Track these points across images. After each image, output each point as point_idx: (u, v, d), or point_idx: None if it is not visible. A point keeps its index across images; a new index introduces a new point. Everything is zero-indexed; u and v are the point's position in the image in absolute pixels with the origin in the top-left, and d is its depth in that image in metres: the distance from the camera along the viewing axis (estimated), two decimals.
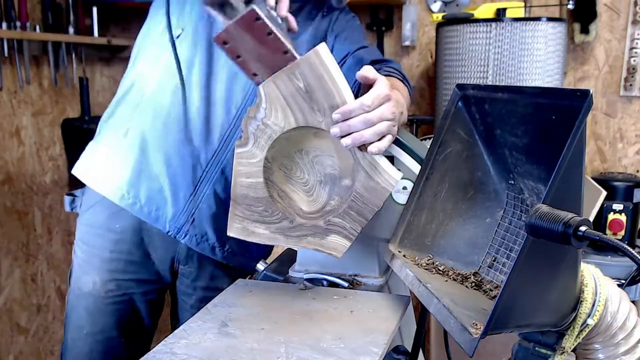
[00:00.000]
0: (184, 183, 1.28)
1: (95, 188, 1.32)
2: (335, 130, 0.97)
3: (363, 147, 0.98)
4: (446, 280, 1.00)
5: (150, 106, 1.29)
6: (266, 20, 0.92)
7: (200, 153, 1.27)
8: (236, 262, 1.37)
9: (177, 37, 1.26)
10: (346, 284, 1.19)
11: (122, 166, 1.30)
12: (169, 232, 1.29)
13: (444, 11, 2.25)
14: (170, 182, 1.28)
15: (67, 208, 1.42)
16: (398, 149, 1.15)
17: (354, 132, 0.96)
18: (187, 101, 1.26)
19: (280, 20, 0.99)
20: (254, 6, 0.91)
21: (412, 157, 1.15)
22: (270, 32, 0.93)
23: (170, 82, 1.27)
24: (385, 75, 1.27)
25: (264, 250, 1.43)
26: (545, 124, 0.81)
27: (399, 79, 1.28)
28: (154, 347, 0.91)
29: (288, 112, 1.01)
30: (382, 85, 0.98)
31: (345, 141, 0.96)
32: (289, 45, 0.95)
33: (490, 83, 1.83)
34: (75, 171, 1.38)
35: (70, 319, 1.37)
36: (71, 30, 2.50)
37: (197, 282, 1.39)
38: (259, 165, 1.04)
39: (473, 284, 0.98)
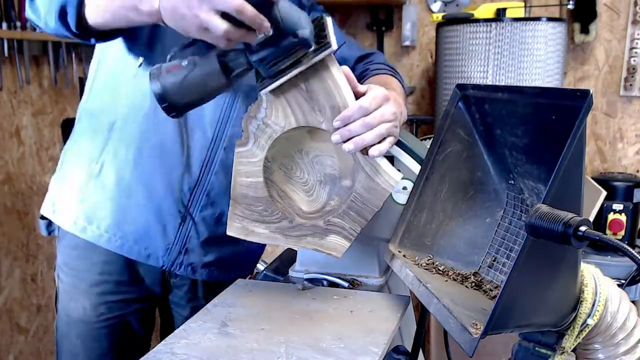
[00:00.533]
0: (171, 215, 1.22)
1: (77, 234, 1.25)
2: (336, 137, 0.96)
3: (365, 150, 0.98)
4: (446, 280, 1.00)
5: (121, 140, 1.21)
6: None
7: (182, 181, 1.20)
8: (231, 277, 1.32)
9: (139, 66, 1.18)
10: (346, 284, 1.19)
11: (102, 208, 1.23)
12: (163, 266, 1.25)
13: (444, 11, 2.25)
14: (156, 217, 1.22)
15: (44, 232, 1.33)
16: (398, 149, 1.15)
17: (355, 137, 0.95)
18: (161, 131, 1.18)
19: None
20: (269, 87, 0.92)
21: (412, 157, 1.15)
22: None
23: (138, 112, 1.19)
24: (375, 74, 1.26)
25: (256, 258, 1.42)
26: (545, 124, 0.81)
27: (389, 74, 1.25)
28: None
29: (288, 112, 1.01)
30: (378, 89, 0.98)
31: (347, 146, 0.95)
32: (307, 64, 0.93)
33: (490, 83, 1.83)
34: (46, 212, 1.30)
35: (63, 347, 1.32)
36: None
37: (191, 293, 1.35)
38: (259, 165, 1.04)
39: (473, 284, 0.98)
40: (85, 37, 1.09)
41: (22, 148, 2.48)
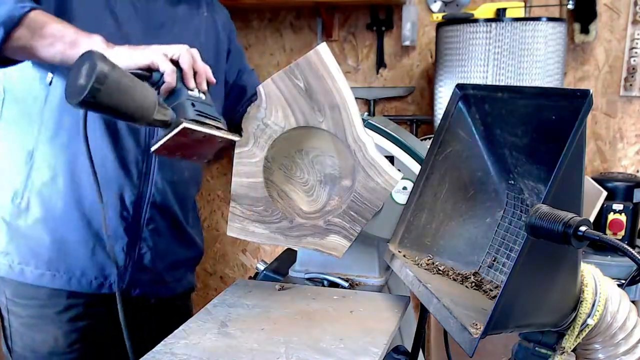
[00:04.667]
0: (117, 236, 1.15)
1: (14, 278, 1.15)
2: None
3: None
4: (446, 280, 1.00)
5: (44, 169, 1.13)
6: (198, 128, 0.94)
7: (124, 197, 1.15)
8: (184, 287, 1.32)
9: (50, 83, 1.11)
10: (346, 284, 1.19)
11: (38, 244, 1.14)
12: (120, 289, 1.12)
13: (444, 11, 2.25)
14: (100, 242, 1.14)
15: None
16: (398, 149, 1.15)
17: None
18: (87, 151, 1.00)
19: (203, 95, 1.01)
20: (185, 124, 0.93)
21: (412, 157, 1.15)
22: (205, 135, 0.96)
23: (58, 137, 1.12)
24: None
25: (197, 260, 1.40)
26: (545, 124, 0.81)
27: None
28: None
29: (288, 112, 1.01)
30: None
31: None
32: (221, 133, 0.98)
33: (490, 83, 1.83)
34: None
35: None
36: None
37: (153, 314, 1.28)
38: (259, 165, 1.04)
39: (473, 284, 0.98)
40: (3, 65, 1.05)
41: None
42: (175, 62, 0.98)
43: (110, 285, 1.17)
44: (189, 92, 0.98)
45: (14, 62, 1.06)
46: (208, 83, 1.03)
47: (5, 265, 1.17)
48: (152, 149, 0.96)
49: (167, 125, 0.94)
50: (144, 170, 1.16)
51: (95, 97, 0.84)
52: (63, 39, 0.98)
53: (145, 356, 0.87)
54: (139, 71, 0.96)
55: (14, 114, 1.17)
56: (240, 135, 1.03)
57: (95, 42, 0.98)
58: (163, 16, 1.20)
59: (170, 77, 0.97)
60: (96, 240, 1.15)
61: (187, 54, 0.98)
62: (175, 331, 0.95)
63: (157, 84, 0.97)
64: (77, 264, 1.15)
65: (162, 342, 0.91)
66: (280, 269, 1.27)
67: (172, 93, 0.98)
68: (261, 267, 1.29)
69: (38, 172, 1.14)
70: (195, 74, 0.99)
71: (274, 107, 1.01)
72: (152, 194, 1.18)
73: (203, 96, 1.01)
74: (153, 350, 0.89)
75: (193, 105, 0.97)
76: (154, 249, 1.21)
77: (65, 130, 1.12)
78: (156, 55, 0.97)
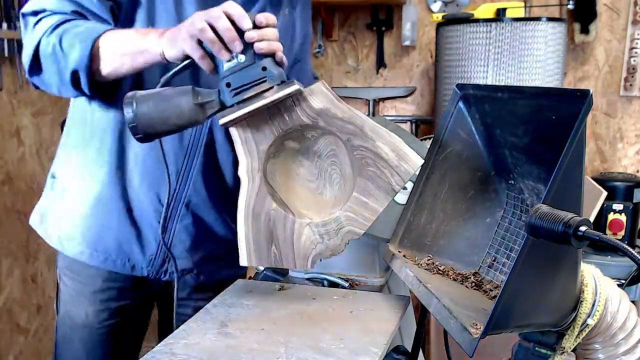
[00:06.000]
0: (151, 226, 1.22)
1: (62, 250, 1.27)
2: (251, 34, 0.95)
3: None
4: (446, 280, 1.00)
5: (99, 156, 1.21)
6: (237, 115, 0.94)
7: (159, 193, 1.20)
8: (221, 277, 1.34)
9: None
10: (346, 284, 1.19)
11: (81, 224, 1.23)
12: (148, 275, 1.25)
13: (444, 11, 2.25)
14: (136, 229, 1.22)
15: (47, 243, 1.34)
16: None
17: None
18: (135, 145, 1.17)
19: (242, 57, 0.97)
20: (222, 119, 0.94)
21: None
22: (251, 111, 0.96)
23: (112, 130, 1.19)
24: None
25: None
26: (545, 124, 0.81)
27: None
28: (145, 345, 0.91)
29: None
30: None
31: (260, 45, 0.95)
32: (267, 100, 0.95)
33: (490, 83, 1.83)
34: (34, 223, 1.32)
35: (64, 350, 1.33)
36: None
37: (193, 294, 1.36)
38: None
39: (473, 284, 0.98)
40: (98, 95, 1.15)
41: (22, 148, 2.48)
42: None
43: (141, 269, 1.25)
44: (224, 67, 0.95)
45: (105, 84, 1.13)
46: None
47: (56, 237, 1.27)
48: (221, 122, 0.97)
49: (222, 109, 0.96)
50: (182, 170, 1.21)
51: (138, 133, 0.95)
52: (127, 55, 1.05)
53: (145, 356, 0.87)
54: (181, 64, 0.98)
55: (81, 102, 1.25)
56: (293, 83, 0.97)
57: (151, 43, 1.02)
58: None
59: (202, 63, 0.96)
60: (132, 228, 1.22)
61: (204, 33, 0.93)
62: (175, 331, 0.95)
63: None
64: (112, 246, 1.23)
65: (162, 342, 0.91)
66: (280, 269, 1.27)
67: (217, 68, 0.97)
68: (261, 267, 1.29)
69: (92, 159, 1.21)
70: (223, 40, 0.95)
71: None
72: (189, 194, 1.22)
73: (242, 58, 0.95)
74: (153, 350, 0.89)
75: (228, 85, 0.95)
76: (185, 243, 1.26)
77: (118, 121, 1.19)
78: (185, 42, 0.96)
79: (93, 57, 1.05)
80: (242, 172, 1.02)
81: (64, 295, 1.32)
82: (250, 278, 1.30)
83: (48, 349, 2.68)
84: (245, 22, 0.94)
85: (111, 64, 1.06)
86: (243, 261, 1.02)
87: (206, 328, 0.96)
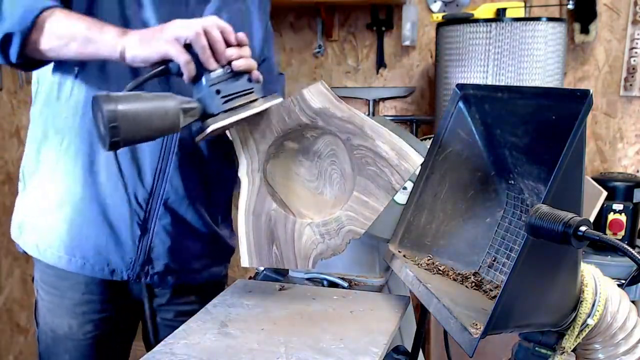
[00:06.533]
0: (129, 229, 1.18)
1: (38, 257, 1.23)
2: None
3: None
4: (446, 280, 1.00)
5: (69, 157, 1.17)
6: (226, 123, 0.94)
7: (136, 193, 1.17)
8: (203, 278, 1.32)
9: (75, 76, 1.14)
10: (346, 284, 1.19)
11: (57, 229, 1.19)
12: (129, 279, 1.21)
13: (444, 11, 2.25)
14: (113, 232, 1.18)
15: (21, 250, 1.29)
16: None
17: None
18: None
19: (228, 69, 0.97)
20: (212, 126, 0.93)
21: None
22: (238, 120, 0.96)
23: (82, 127, 1.15)
24: None
25: (226, 256, 1.39)
26: (545, 124, 0.81)
27: None
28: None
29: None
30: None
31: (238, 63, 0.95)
32: (254, 110, 0.96)
33: (490, 83, 1.83)
34: (14, 234, 1.29)
35: None
36: None
37: (173, 299, 1.31)
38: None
39: (473, 284, 0.98)
40: (21, 67, 1.07)
41: (22, 148, 2.48)
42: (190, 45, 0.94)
43: (121, 272, 1.21)
44: (212, 75, 0.95)
45: (41, 63, 1.08)
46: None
47: (32, 244, 1.23)
48: (197, 139, 0.98)
49: (204, 118, 0.95)
50: (158, 168, 1.18)
51: (118, 136, 0.88)
52: (75, 38, 0.99)
53: (145, 356, 0.87)
54: (155, 69, 0.95)
55: (41, 103, 1.20)
56: (278, 96, 0.99)
57: (108, 36, 0.97)
58: None
59: (186, 68, 0.94)
60: (109, 231, 1.18)
61: (199, 37, 0.92)
62: (175, 331, 0.95)
63: (177, 73, 0.95)
64: (90, 251, 1.19)
65: (162, 342, 0.91)
66: (281, 269, 1.27)
67: (197, 77, 0.96)
68: (261, 267, 1.29)
69: (63, 159, 1.17)
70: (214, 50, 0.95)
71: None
72: (166, 192, 1.19)
73: (229, 69, 0.96)
74: (153, 350, 0.89)
75: (218, 92, 0.94)
76: (165, 243, 1.23)
77: (88, 123, 1.14)
78: (168, 45, 0.93)
79: (35, 25, 0.98)
80: (242, 173, 1.02)
81: (41, 308, 1.29)
82: (250, 278, 1.30)
83: None
84: (232, 37, 0.95)
85: (56, 41, 1.00)
86: (244, 262, 1.02)
87: (206, 328, 0.96)
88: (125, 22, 1.09)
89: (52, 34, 1.00)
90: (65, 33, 1.00)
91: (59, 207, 1.19)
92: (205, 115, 0.95)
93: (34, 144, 1.24)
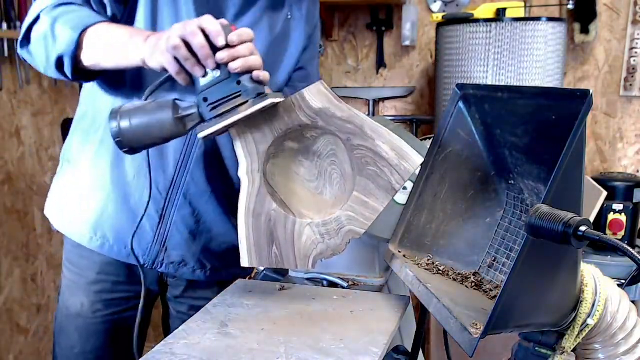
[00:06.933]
0: (148, 215, 1.21)
1: (64, 232, 1.30)
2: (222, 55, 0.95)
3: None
4: (446, 280, 1.00)
5: (102, 143, 1.23)
6: (215, 129, 0.96)
7: (158, 181, 1.21)
8: (220, 277, 1.33)
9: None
10: (346, 284, 1.19)
11: (83, 209, 1.26)
12: (144, 264, 1.25)
13: (444, 11, 2.25)
14: (133, 217, 1.21)
15: (53, 227, 1.37)
16: None
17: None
18: None
19: (217, 73, 0.97)
20: (201, 134, 0.96)
21: None
22: (227, 126, 0.97)
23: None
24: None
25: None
26: (545, 124, 0.81)
27: None
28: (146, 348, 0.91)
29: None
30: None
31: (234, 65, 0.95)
32: (243, 114, 0.96)
33: (490, 83, 1.83)
34: (47, 211, 1.35)
35: (61, 338, 1.35)
36: None
37: (188, 292, 1.35)
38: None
39: (473, 284, 0.98)
40: (79, 80, 1.16)
41: (22, 148, 2.48)
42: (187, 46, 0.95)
43: (137, 256, 1.23)
44: (200, 82, 0.96)
45: (99, 73, 1.14)
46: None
47: (61, 220, 1.30)
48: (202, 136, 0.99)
49: (201, 121, 0.98)
50: (180, 160, 1.21)
51: (124, 147, 0.98)
52: (107, 53, 1.06)
53: (145, 356, 0.87)
54: (164, 76, 0.99)
55: (89, 93, 1.27)
56: (267, 97, 0.98)
57: (133, 49, 1.02)
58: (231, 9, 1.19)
59: (179, 78, 0.97)
60: (129, 215, 1.22)
61: (178, 50, 0.94)
62: (175, 331, 0.95)
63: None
64: (111, 232, 1.24)
65: (162, 342, 0.91)
66: (281, 269, 1.27)
67: (193, 83, 0.98)
68: (261, 267, 1.29)
69: (96, 146, 1.24)
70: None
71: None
72: (187, 183, 1.22)
73: (217, 73, 0.96)
74: (153, 350, 0.89)
75: (205, 100, 0.96)
76: (183, 234, 1.25)
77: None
78: (162, 57, 0.96)
79: (80, 45, 1.07)
80: (242, 173, 1.02)
81: (63, 287, 1.35)
82: (250, 278, 1.30)
83: (48, 349, 2.68)
84: (219, 40, 0.93)
85: (94, 58, 1.08)
86: (244, 262, 1.02)
87: (206, 328, 0.96)
88: None
89: (90, 52, 1.07)
90: (100, 50, 1.07)
91: (91, 190, 1.25)
92: (202, 119, 0.98)
93: (78, 124, 1.31)
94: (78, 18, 1.08)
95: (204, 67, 0.95)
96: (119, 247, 1.24)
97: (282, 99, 1.00)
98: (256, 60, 0.97)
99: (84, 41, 1.07)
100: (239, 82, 0.95)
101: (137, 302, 1.32)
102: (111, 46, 1.06)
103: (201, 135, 0.96)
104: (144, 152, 1.14)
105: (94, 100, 1.25)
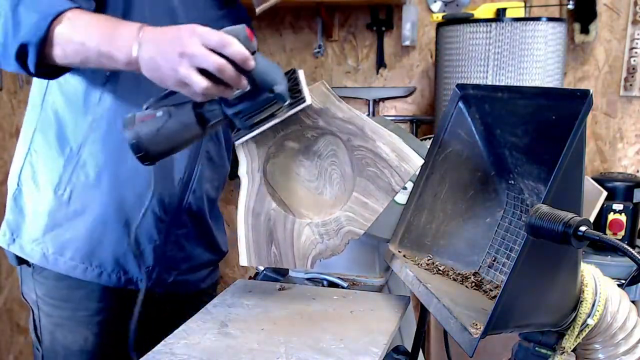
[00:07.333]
0: (149, 238, 1.17)
1: (47, 267, 1.16)
2: None
3: None
4: (446, 280, 1.00)
5: (90, 165, 1.13)
6: (248, 138, 0.98)
7: (164, 201, 1.16)
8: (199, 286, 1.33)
9: (104, 84, 1.11)
10: (346, 284, 1.19)
11: (76, 237, 1.14)
12: (146, 287, 1.15)
13: (444, 11, 2.25)
14: (133, 241, 1.14)
15: (13, 263, 1.20)
16: None
17: None
18: (131, 154, 1.02)
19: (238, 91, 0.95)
20: (237, 142, 0.98)
21: None
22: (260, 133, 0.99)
23: (108, 137, 1.11)
24: None
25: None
26: (545, 124, 0.81)
27: None
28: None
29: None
30: None
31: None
32: (274, 121, 0.98)
33: (490, 83, 1.83)
34: (3, 243, 1.20)
35: None
36: None
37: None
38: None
39: (473, 284, 0.98)
40: (43, 76, 1.02)
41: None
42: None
43: (136, 282, 1.19)
44: (229, 100, 0.93)
45: (67, 69, 1.02)
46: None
47: (39, 253, 1.16)
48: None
49: (224, 119, 0.96)
50: (185, 178, 1.19)
51: (148, 159, 0.94)
52: (88, 51, 0.93)
53: (145, 356, 0.87)
54: (165, 90, 0.94)
55: (60, 103, 1.13)
56: (304, 100, 0.96)
57: (123, 42, 0.90)
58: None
59: (202, 97, 0.89)
60: (129, 240, 1.16)
61: (210, 89, 0.86)
62: (175, 331, 0.95)
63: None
64: (108, 260, 1.16)
65: (162, 342, 0.91)
66: (280, 269, 1.27)
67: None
68: (261, 267, 1.29)
69: (83, 168, 1.13)
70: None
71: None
72: (189, 201, 1.21)
73: (238, 92, 0.93)
74: (153, 350, 0.89)
75: (238, 114, 0.93)
76: (182, 251, 1.24)
77: (118, 131, 1.06)
78: (186, 71, 0.85)
79: (48, 34, 0.92)
80: (242, 172, 1.03)
81: (48, 325, 1.21)
82: (250, 278, 1.30)
83: None
84: (249, 65, 0.87)
85: (71, 56, 0.94)
86: (243, 261, 1.02)
87: (206, 328, 0.96)
88: None
89: (65, 47, 0.93)
90: (77, 45, 0.93)
91: (79, 215, 1.14)
92: (225, 118, 0.96)
93: (37, 142, 1.18)
94: (46, 1, 0.93)
95: (232, 88, 0.90)
96: (117, 275, 1.17)
97: (312, 100, 0.98)
98: (278, 71, 0.93)
99: (54, 30, 0.92)
100: (271, 91, 0.92)
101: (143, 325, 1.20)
102: (90, 42, 0.91)
103: (239, 142, 0.98)
104: (144, 172, 1.09)
105: (60, 105, 1.12)
